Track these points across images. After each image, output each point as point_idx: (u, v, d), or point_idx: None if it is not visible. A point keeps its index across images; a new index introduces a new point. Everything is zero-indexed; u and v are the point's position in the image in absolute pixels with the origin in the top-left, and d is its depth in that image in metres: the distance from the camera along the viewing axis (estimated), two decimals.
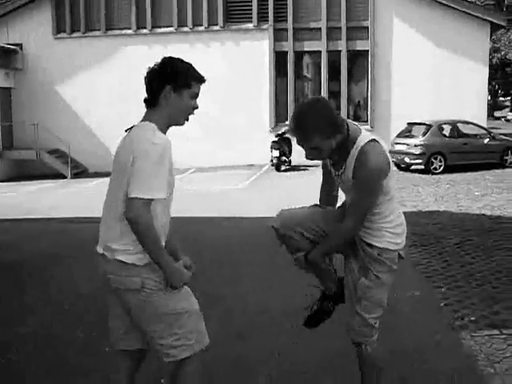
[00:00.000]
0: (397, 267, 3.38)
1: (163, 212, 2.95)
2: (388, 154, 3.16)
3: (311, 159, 3.14)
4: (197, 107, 3.03)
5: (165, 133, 2.96)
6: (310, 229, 3.36)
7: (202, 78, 3.01)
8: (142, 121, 2.98)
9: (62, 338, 5.20)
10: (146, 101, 3.01)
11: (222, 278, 7.00)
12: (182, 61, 3.02)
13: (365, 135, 3.12)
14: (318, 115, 2.99)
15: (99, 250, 3.01)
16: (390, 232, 3.27)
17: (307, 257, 3.35)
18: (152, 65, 3.00)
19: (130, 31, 22.71)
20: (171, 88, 2.92)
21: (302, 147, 3.07)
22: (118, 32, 22.85)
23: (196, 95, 3.00)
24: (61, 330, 5.43)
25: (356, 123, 3.22)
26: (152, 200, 2.79)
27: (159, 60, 3.04)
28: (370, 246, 3.28)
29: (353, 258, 3.37)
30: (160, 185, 2.81)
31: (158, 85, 2.93)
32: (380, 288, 3.34)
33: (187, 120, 3.05)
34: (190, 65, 3.03)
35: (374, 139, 3.11)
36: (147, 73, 2.99)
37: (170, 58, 3.04)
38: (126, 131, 3.00)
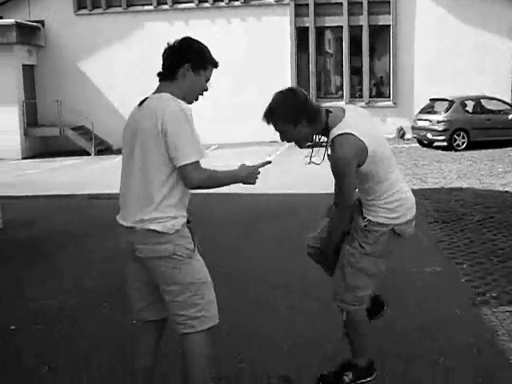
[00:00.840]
0: (389, 242, 3.48)
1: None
2: (362, 144, 3.23)
3: (287, 141, 3.47)
4: (207, 89, 3.18)
5: None
6: (320, 239, 3.73)
7: (217, 63, 3.15)
8: (156, 93, 3.07)
9: (82, 314, 5.32)
10: (160, 74, 3.12)
11: (243, 252, 7.08)
12: (201, 43, 3.15)
13: (340, 127, 3.26)
14: (284, 102, 3.30)
15: (123, 222, 3.07)
16: (382, 207, 3.42)
17: (323, 251, 3.67)
18: (171, 41, 3.12)
19: (150, 7, 22.71)
20: (190, 66, 3.04)
21: None
22: (139, 8, 22.86)
23: (208, 78, 3.15)
24: (78, 306, 5.55)
25: (343, 108, 3.39)
26: (198, 161, 2.93)
27: (179, 37, 3.15)
28: (364, 218, 3.49)
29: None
30: (199, 144, 2.95)
31: (177, 61, 3.05)
32: (364, 257, 3.49)
33: (196, 100, 3.18)
34: (208, 48, 3.15)
35: (347, 132, 3.23)
36: (166, 49, 3.10)
37: (191, 38, 3.17)
38: (139, 105, 3.08)
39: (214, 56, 3.15)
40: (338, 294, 3.62)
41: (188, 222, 3.08)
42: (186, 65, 3.03)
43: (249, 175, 3.14)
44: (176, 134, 2.88)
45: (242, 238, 7.88)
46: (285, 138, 3.41)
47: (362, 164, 3.26)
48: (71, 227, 9.01)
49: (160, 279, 3.06)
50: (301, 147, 3.47)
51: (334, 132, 3.27)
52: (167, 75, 3.08)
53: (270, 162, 3.26)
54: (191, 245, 3.04)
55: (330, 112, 3.34)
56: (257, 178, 3.17)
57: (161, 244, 2.97)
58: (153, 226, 2.95)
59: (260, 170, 3.18)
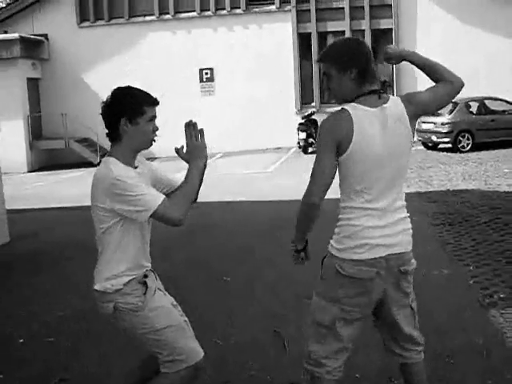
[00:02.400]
0: (336, 283, 2.84)
1: (138, 234, 3.02)
2: (349, 123, 2.75)
3: (324, 91, 3.03)
4: (157, 129, 3.02)
5: (133, 160, 3.02)
6: None
7: (155, 100, 3.01)
8: (108, 155, 3.02)
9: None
10: (107, 135, 3.04)
11: (251, 261, 7.10)
12: (130, 88, 3.02)
13: (353, 104, 2.83)
14: (345, 45, 2.94)
15: None
16: (336, 232, 2.92)
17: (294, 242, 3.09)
18: (104, 99, 3.01)
19: (153, 17, 22.77)
20: (126, 120, 2.93)
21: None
22: (141, 19, 22.93)
23: (153, 118, 2.99)
24: (86, 316, 5.57)
25: (396, 97, 2.92)
26: (157, 209, 2.83)
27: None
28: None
29: None
30: (151, 195, 2.86)
31: (113, 120, 2.97)
32: (315, 298, 2.98)
33: (154, 141, 3.05)
34: (140, 91, 3.01)
35: (344, 108, 2.82)
36: (101, 108, 3.02)
37: (119, 89, 3.03)
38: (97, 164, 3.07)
39: (148, 95, 2.99)
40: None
41: (145, 276, 3.04)
42: (122, 120, 2.93)
43: (197, 154, 2.97)
44: (120, 203, 2.85)
45: (250, 246, 7.89)
46: (328, 84, 2.94)
47: (342, 149, 2.76)
48: (77, 239, 9.02)
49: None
50: (338, 103, 2.97)
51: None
52: (113, 137, 3.01)
53: (191, 122, 2.98)
54: (138, 298, 2.99)
55: (381, 92, 2.88)
56: (204, 149, 2.97)
57: (103, 303, 3.01)
58: (95, 286, 3.02)
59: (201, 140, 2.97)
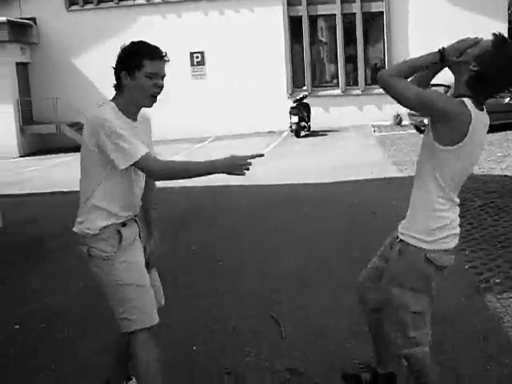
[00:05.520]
0: (428, 275, 2.96)
1: (123, 182, 3.04)
2: (468, 116, 2.92)
3: None
4: (160, 85, 2.97)
5: (133, 115, 3.04)
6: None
7: (158, 55, 2.95)
8: (107, 100, 3.06)
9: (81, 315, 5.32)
10: (114, 86, 3.08)
11: (246, 245, 7.08)
12: (139, 42, 3.02)
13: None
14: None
15: None
16: (419, 223, 2.92)
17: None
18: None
19: (142, 1, 22.55)
20: (126, 73, 2.96)
21: None
22: (131, 2, 22.71)
23: (151, 74, 2.93)
24: (82, 305, 5.55)
25: None
26: (140, 159, 2.86)
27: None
28: (397, 238, 3.03)
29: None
30: (134, 146, 2.87)
31: (116, 72, 3.01)
32: (400, 290, 2.98)
33: (154, 100, 3.01)
34: (147, 45, 2.98)
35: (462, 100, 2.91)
36: None
37: (131, 42, 3.04)
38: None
39: (153, 48, 2.95)
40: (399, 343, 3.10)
41: (123, 224, 3.07)
42: (123, 73, 2.96)
43: (233, 166, 2.88)
44: (105, 146, 2.88)
45: (243, 230, 7.87)
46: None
47: (458, 138, 2.80)
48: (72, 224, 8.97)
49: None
50: None
51: None
52: (116, 88, 3.05)
53: (262, 155, 2.95)
54: (111, 247, 3.03)
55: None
56: (244, 168, 2.88)
57: (80, 245, 3.10)
58: (74, 228, 3.12)
59: (251, 161, 2.89)
